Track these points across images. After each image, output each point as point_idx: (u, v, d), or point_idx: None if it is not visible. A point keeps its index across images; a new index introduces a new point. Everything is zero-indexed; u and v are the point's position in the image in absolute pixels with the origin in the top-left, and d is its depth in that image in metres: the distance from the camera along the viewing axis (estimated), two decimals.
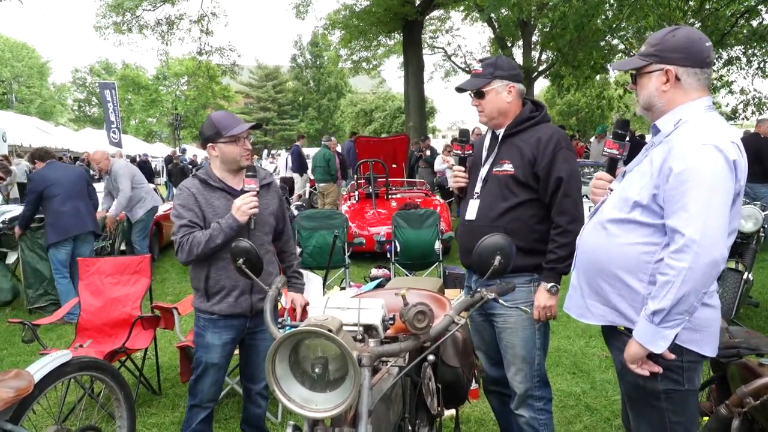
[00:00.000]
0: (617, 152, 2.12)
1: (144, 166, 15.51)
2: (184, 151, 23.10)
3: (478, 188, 2.56)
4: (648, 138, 2.61)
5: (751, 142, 7.65)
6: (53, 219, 5.67)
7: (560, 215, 2.40)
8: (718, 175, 1.68)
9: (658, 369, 1.81)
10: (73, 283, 5.82)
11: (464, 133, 2.71)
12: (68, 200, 5.70)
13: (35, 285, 6.05)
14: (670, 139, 1.80)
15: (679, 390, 1.83)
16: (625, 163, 2.15)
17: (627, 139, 2.16)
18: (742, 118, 12.57)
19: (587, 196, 2.26)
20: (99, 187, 9.77)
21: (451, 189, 2.79)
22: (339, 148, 12.95)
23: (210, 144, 2.68)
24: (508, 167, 2.46)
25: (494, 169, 2.50)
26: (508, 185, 2.45)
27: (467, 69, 23.18)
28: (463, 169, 2.66)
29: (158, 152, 24.08)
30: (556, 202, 2.40)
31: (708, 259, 1.66)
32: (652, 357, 1.80)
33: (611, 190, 1.99)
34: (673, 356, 1.79)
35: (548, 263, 2.41)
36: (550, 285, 2.40)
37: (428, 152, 12.77)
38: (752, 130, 8.91)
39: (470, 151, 2.66)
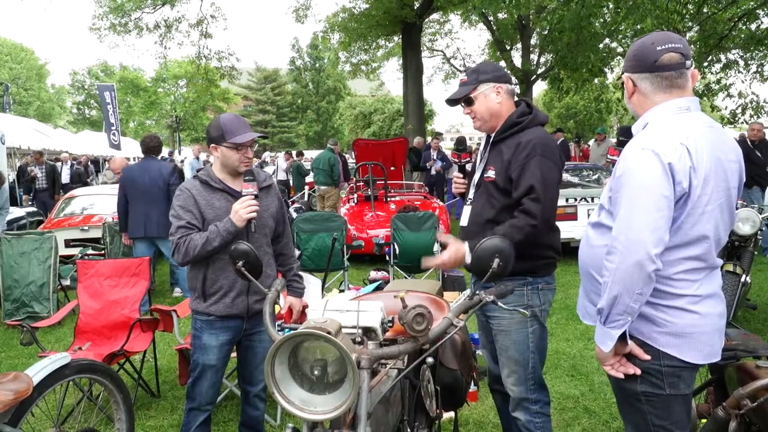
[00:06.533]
0: (618, 158, 2.15)
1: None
2: (170, 154, 23.04)
3: (471, 194, 2.60)
4: None
5: (742, 147, 7.69)
6: (130, 215, 6.11)
7: (525, 215, 2.34)
8: (648, 178, 1.69)
9: (634, 370, 1.82)
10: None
11: (461, 141, 2.76)
12: (140, 205, 6.02)
13: (12, 296, 5.74)
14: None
15: (659, 394, 1.82)
16: None
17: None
18: (742, 122, 12.60)
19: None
20: (94, 190, 9.76)
21: (455, 195, 2.83)
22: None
23: (213, 145, 2.69)
24: (491, 173, 2.48)
25: (484, 176, 2.53)
26: (492, 192, 2.48)
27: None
28: (461, 176, 2.69)
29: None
30: (525, 203, 2.35)
31: (631, 260, 1.68)
32: (630, 358, 1.82)
33: None
34: (647, 357, 1.80)
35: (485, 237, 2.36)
36: (468, 251, 2.32)
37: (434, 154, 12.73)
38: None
39: (467, 159, 2.70)
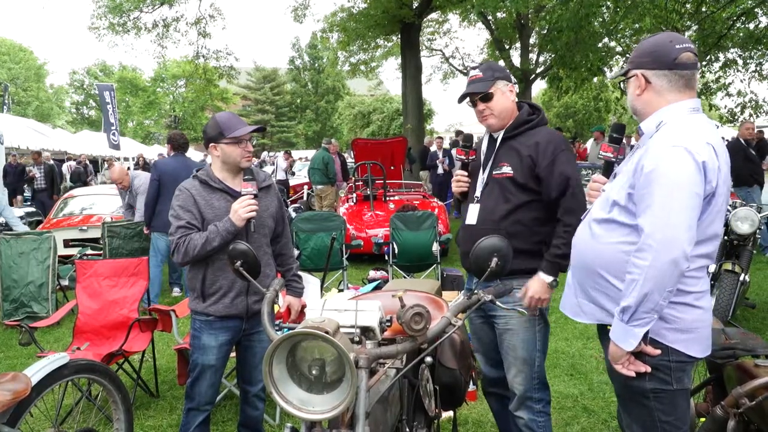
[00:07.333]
0: (612, 155, 2.15)
1: None
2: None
3: (478, 192, 2.58)
4: (633, 140, 2.67)
5: (736, 148, 7.73)
6: (158, 209, 5.92)
7: (570, 214, 2.39)
8: (683, 176, 1.71)
9: (645, 368, 1.82)
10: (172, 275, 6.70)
11: (468, 138, 2.72)
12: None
13: (11, 296, 5.73)
14: (650, 141, 1.85)
15: (667, 390, 1.85)
16: None
17: (622, 142, 2.19)
18: (741, 121, 12.61)
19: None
20: (93, 190, 9.72)
21: (454, 193, 2.80)
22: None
23: (212, 144, 2.69)
24: (507, 170, 2.48)
25: (494, 173, 2.52)
26: (508, 188, 2.47)
27: (465, 71, 23.17)
28: (465, 173, 2.68)
29: (153, 154, 23.92)
30: (565, 200, 2.41)
31: (668, 258, 1.68)
32: (639, 356, 1.82)
33: (604, 191, 2.03)
34: (657, 352, 1.81)
35: (552, 256, 2.39)
36: (551, 279, 2.40)
37: (440, 152, 12.75)
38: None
39: (474, 157, 2.68)
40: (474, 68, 2.57)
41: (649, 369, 1.82)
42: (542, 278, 2.41)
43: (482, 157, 2.62)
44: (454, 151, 12.27)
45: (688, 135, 1.76)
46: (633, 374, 1.83)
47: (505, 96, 2.51)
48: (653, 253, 1.69)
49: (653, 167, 1.75)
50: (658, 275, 1.69)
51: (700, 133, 1.77)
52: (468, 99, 2.56)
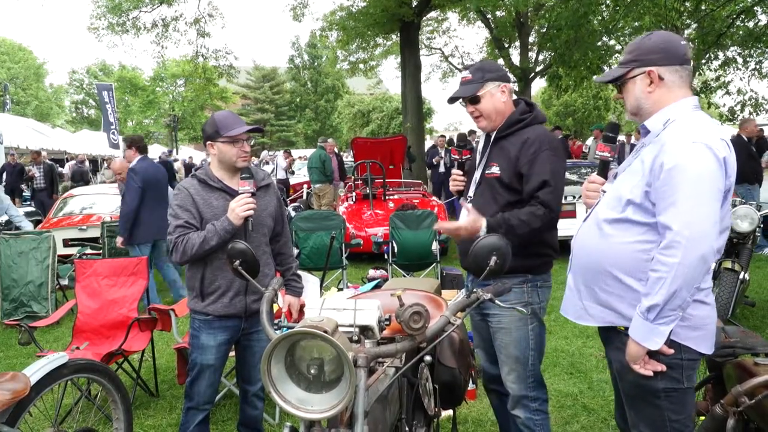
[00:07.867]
0: (609, 155, 2.14)
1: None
2: (170, 153, 22.88)
3: (471, 191, 2.59)
4: (633, 139, 2.68)
5: (739, 145, 7.73)
6: (144, 219, 5.63)
7: (543, 206, 2.36)
8: (707, 172, 1.71)
9: (661, 367, 1.82)
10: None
11: (462, 137, 2.74)
12: (160, 203, 5.60)
13: (11, 296, 5.74)
14: (660, 138, 1.84)
15: (678, 388, 1.85)
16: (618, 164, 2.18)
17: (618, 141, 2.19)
18: (742, 118, 12.60)
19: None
20: (93, 189, 9.71)
21: (451, 192, 2.80)
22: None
23: (209, 142, 2.69)
24: (495, 170, 2.49)
25: (485, 172, 2.53)
26: (496, 188, 2.48)
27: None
28: (461, 172, 2.68)
29: (154, 153, 23.78)
30: (540, 195, 2.37)
31: (697, 254, 1.68)
32: (653, 356, 1.81)
33: (604, 191, 2.02)
34: (672, 351, 1.80)
35: (503, 217, 2.35)
36: (484, 229, 2.32)
37: (442, 152, 12.79)
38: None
39: (468, 156, 2.69)
40: (465, 69, 2.57)
41: (665, 368, 1.82)
42: (481, 223, 2.33)
43: (478, 157, 2.63)
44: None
45: (704, 131, 1.76)
46: (651, 373, 1.82)
47: (494, 98, 2.50)
48: (683, 249, 1.68)
49: (675, 164, 1.74)
50: (687, 272, 1.68)
51: (713, 129, 1.79)
52: (461, 100, 2.56)
